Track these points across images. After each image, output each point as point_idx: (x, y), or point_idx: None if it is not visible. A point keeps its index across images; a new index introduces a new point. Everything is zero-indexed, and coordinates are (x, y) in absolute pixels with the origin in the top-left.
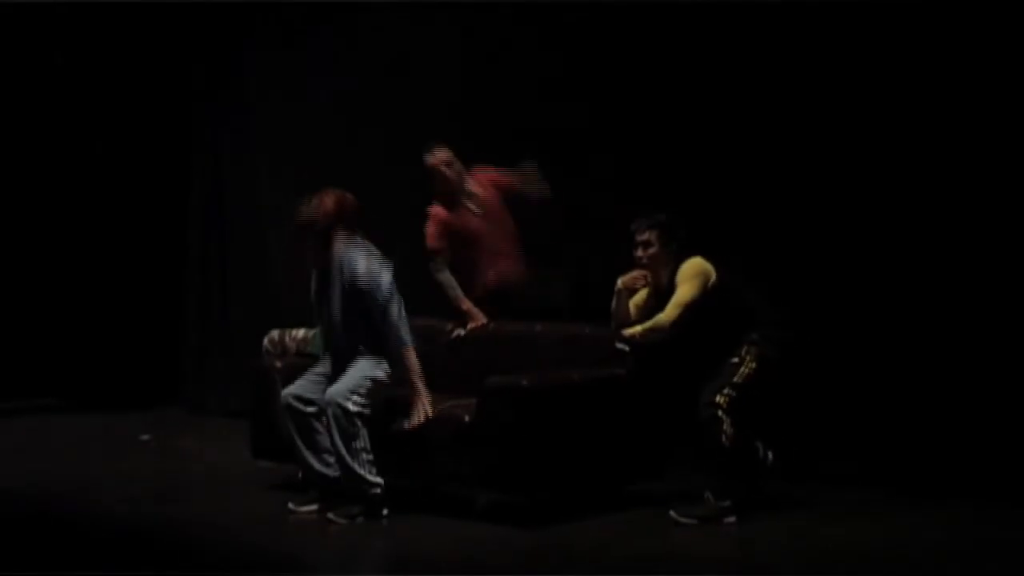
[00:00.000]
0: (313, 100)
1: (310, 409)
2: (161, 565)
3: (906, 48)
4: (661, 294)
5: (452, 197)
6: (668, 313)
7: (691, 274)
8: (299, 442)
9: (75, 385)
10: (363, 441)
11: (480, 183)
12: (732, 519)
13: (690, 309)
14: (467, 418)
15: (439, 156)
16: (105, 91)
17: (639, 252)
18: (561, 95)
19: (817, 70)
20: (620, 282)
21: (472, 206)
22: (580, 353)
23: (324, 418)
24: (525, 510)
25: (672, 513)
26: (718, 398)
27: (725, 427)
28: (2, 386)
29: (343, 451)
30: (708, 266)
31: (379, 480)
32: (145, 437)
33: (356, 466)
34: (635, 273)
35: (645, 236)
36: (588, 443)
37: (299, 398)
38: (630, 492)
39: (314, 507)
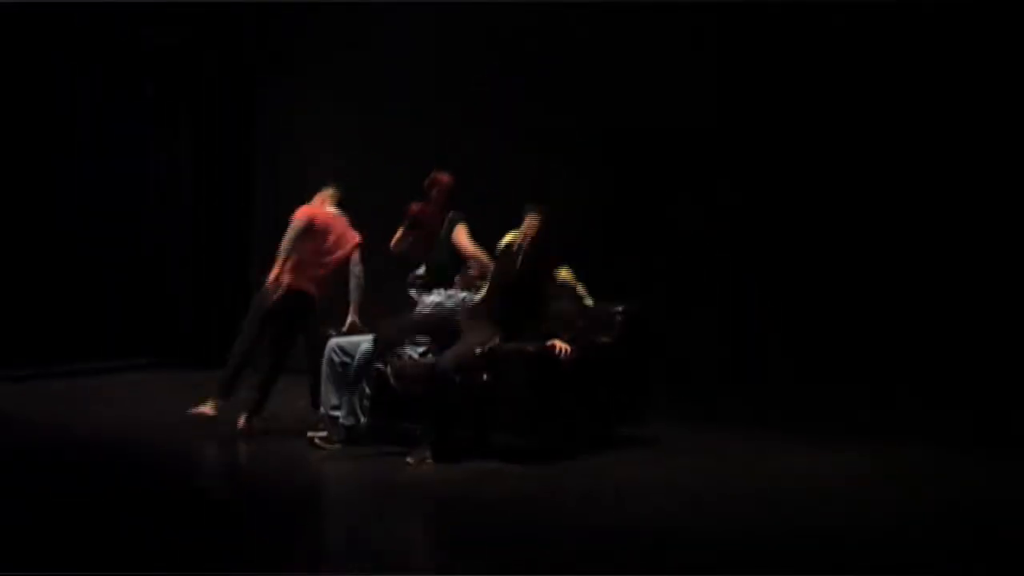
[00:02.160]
0: (356, 105)
1: (345, 359)
2: (227, 489)
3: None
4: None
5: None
6: None
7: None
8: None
9: (166, 346)
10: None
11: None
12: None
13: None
14: (485, 377)
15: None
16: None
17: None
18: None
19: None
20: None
21: None
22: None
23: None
24: (532, 450)
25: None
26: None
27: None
28: (108, 347)
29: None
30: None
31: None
32: None
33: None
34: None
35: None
36: (583, 395)
37: (342, 349)
38: (617, 435)
39: (323, 434)
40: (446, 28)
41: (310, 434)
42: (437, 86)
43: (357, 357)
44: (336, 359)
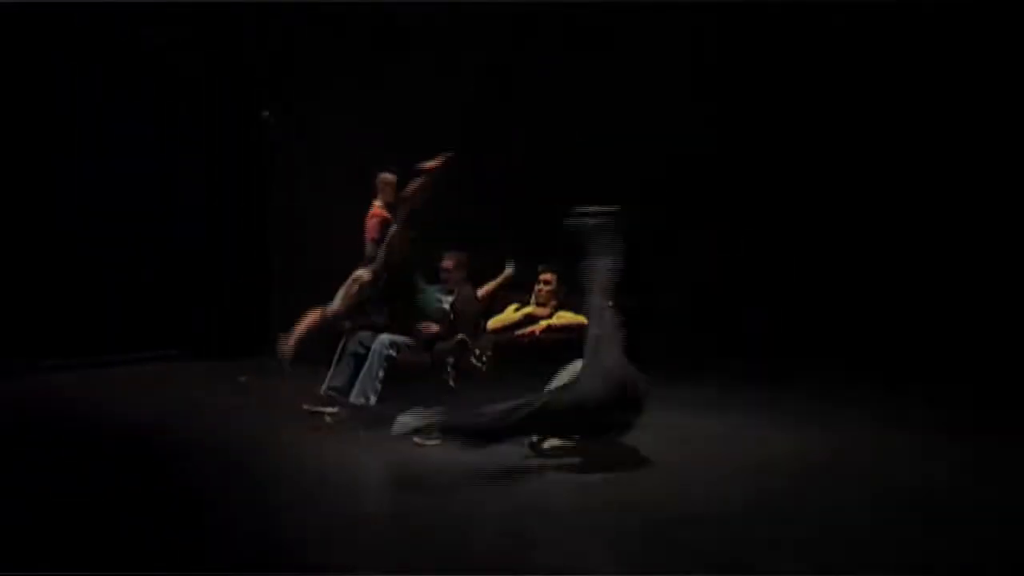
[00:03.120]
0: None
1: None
2: (248, 466)
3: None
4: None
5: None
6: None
7: None
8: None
9: (191, 338)
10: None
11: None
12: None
13: None
14: (483, 367)
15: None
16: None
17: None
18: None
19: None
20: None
21: None
22: None
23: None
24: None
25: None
26: None
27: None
28: (136, 339)
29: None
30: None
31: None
32: (242, 378)
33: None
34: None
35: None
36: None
37: (361, 342)
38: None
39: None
40: (447, 28)
41: (306, 406)
42: (437, 86)
43: (375, 345)
44: (360, 350)
